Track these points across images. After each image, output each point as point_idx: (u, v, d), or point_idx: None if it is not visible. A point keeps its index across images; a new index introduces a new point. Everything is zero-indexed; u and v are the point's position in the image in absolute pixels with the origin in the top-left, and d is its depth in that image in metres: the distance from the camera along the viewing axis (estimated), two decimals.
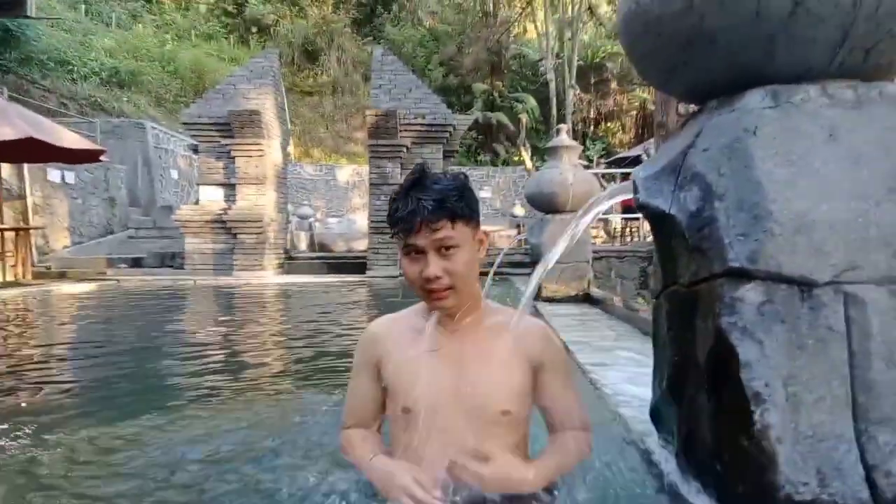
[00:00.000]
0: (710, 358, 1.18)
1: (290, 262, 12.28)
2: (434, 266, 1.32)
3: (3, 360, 3.96)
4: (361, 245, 19.32)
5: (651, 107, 29.65)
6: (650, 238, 13.29)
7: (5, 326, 5.84)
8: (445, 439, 1.31)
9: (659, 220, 1.31)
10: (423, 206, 1.29)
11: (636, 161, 16.16)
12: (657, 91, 12.78)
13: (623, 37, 1.36)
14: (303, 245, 16.50)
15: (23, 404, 2.78)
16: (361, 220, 24.54)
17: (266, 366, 3.85)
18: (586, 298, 5.79)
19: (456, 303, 1.38)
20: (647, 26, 1.24)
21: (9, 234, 9.74)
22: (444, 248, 1.32)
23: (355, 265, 11.66)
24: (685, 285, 1.27)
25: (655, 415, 1.70)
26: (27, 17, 13.78)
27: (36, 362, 3.92)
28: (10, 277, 9.64)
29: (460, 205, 1.33)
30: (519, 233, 20.92)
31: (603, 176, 15.98)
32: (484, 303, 1.50)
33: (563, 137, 6.00)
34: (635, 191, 1.38)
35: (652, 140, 15.00)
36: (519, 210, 22.49)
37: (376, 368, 1.45)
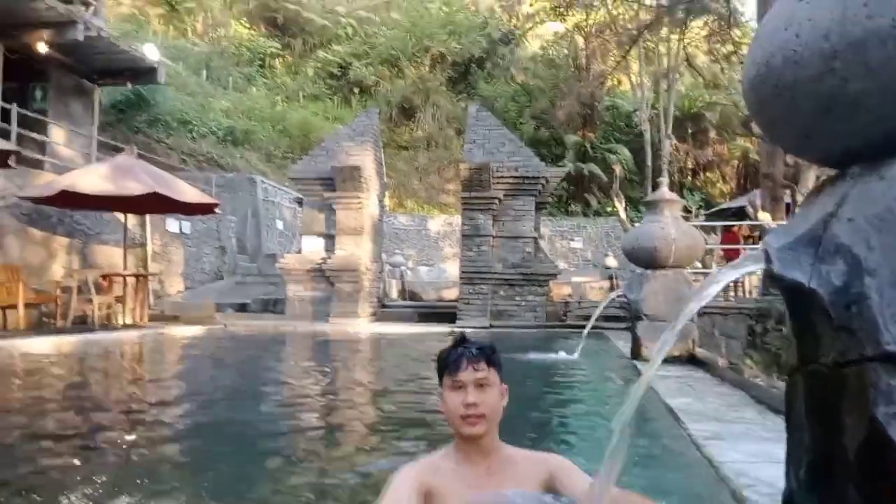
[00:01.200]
0: (862, 449, 1.06)
1: (383, 309, 12.53)
2: (472, 395, 1.74)
3: (118, 401, 4.23)
4: (450, 293, 19.42)
5: (754, 156, 28.45)
6: (755, 294, 12.51)
7: (125, 368, 6.27)
8: None
9: (796, 294, 1.22)
10: (469, 351, 1.77)
11: (739, 212, 15.43)
12: (762, 142, 12.31)
13: (750, 101, 1.30)
14: (394, 292, 16.83)
15: (133, 454, 2.94)
16: (451, 269, 24.75)
17: (352, 429, 3.78)
18: (690, 360, 5.49)
19: (485, 431, 1.76)
20: (778, 90, 1.18)
21: (130, 280, 10.55)
22: (480, 385, 1.75)
23: (446, 314, 11.71)
24: (828, 366, 1.16)
25: None
26: (158, 83, 15.25)
27: (143, 406, 4.15)
28: (129, 320, 10.40)
29: (494, 356, 1.81)
30: (612, 285, 20.34)
31: (703, 228, 15.35)
32: (503, 446, 1.87)
33: (664, 191, 5.84)
34: (767, 260, 1.29)
35: (757, 191, 14.34)
36: (611, 261, 21.91)
37: (426, 495, 1.76)
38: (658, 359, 1.69)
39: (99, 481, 2.30)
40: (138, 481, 2.35)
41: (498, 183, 10.99)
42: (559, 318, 11.36)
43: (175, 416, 3.87)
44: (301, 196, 12.08)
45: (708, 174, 29.16)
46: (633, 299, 5.73)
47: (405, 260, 22.61)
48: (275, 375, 6.02)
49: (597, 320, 11.63)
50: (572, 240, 25.15)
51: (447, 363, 1.79)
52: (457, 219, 26.02)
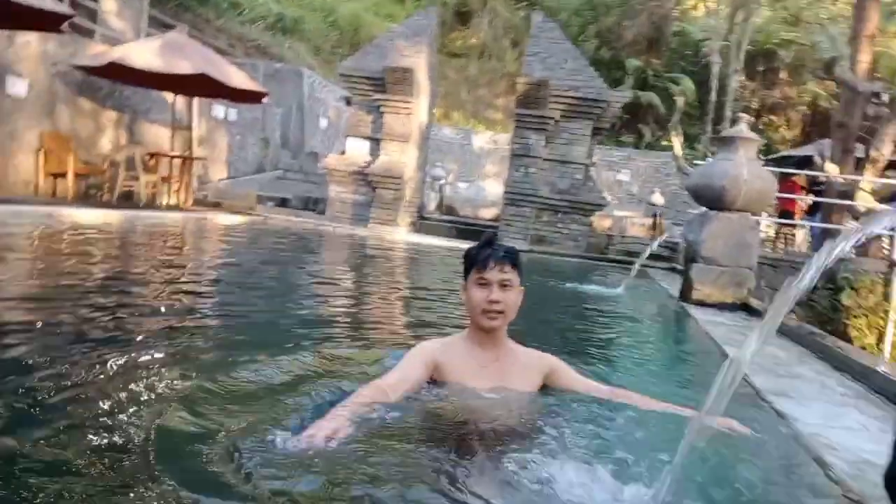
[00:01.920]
0: None
1: (422, 221, 12.42)
2: (496, 293, 1.95)
3: (164, 282, 4.22)
4: (488, 213, 19.23)
5: (823, 103, 26.80)
6: (806, 248, 12.04)
7: (168, 248, 6.30)
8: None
9: None
10: (497, 253, 1.97)
11: (803, 161, 14.64)
12: (843, 89, 11.40)
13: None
14: (432, 205, 16.66)
15: (175, 325, 2.90)
16: (490, 188, 24.41)
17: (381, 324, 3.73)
18: (743, 307, 5.27)
19: (501, 325, 2.01)
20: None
21: (176, 161, 10.54)
22: (504, 285, 1.96)
23: (484, 233, 11.56)
24: None
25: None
26: None
27: (185, 289, 4.13)
28: (172, 201, 10.47)
29: (518, 259, 2.00)
30: (655, 224, 19.87)
31: None
32: (509, 341, 2.11)
33: (743, 127, 5.42)
34: None
35: (826, 140, 13.48)
36: (658, 198, 21.25)
37: (434, 367, 2.01)
38: (761, 335, 1.52)
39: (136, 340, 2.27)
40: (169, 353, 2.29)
41: (555, 102, 10.47)
42: (601, 250, 11.13)
43: (216, 302, 3.84)
44: (349, 95, 11.73)
45: (772, 117, 27.63)
46: (691, 239, 5.47)
47: (445, 173, 22.28)
48: (312, 272, 5.98)
49: (634, 256, 11.41)
50: (619, 171, 24.34)
51: (475, 260, 1.97)
52: (502, 136, 25.34)
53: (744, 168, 5.21)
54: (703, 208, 5.63)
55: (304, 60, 19.82)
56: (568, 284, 6.44)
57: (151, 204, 9.91)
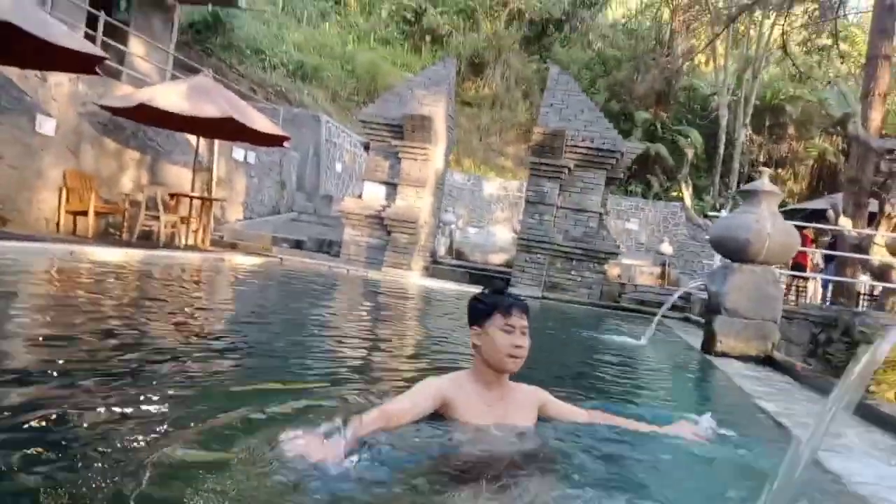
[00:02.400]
0: None
1: (435, 265, 12.46)
2: (521, 340, 2.09)
3: (186, 320, 4.24)
4: (497, 258, 19.26)
5: (831, 158, 27.09)
6: (818, 300, 11.98)
7: (188, 288, 6.34)
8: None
9: None
10: (520, 301, 2.16)
11: (814, 215, 14.69)
12: (854, 145, 11.56)
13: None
14: (442, 250, 16.73)
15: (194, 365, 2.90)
16: (500, 233, 24.53)
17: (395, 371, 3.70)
18: (766, 361, 5.23)
19: (519, 368, 2.14)
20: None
21: (196, 202, 10.68)
22: (524, 332, 2.11)
23: (497, 279, 11.58)
24: None
25: None
26: (237, 7, 15.16)
27: (206, 328, 4.15)
28: (190, 242, 10.56)
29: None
30: (664, 273, 19.86)
31: None
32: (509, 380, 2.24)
33: (765, 181, 5.48)
34: None
35: (838, 195, 13.59)
36: (666, 248, 21.34)
37: (442, 403, 2.07)
38: (827, 422, 1.42)
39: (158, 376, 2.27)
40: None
41: (570, 152, 10.64)
42: (614, 298, 11.11)
43: (237, 338, 3.85)
44: (367, 140, 11.95)
45: (780, 171, 27.89)
46: (714, 291, 5.46)
47: (456, 218, 22.47)
48: (327, 316, 5.98)
49: (647, 305, 11.38)
50: (628, 220, 24.51)
51: (499, 306, 2.10)
52: (512, 183, 25.66)
53: (767, 221, 5.25)
54: (721, 259, 5.65)
55: (322, 106, 20.28)
56: (588, 334, 6.41)
57: (170, 244, 10.01)
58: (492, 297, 2.15)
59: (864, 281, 11.66)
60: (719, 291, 5.41)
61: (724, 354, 5.31)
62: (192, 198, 10.57)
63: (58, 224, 9.02)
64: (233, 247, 11.33)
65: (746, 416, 3.16)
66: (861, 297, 12.38)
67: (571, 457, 1.96)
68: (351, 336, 4.64)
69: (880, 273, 10.52)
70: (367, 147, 11.91)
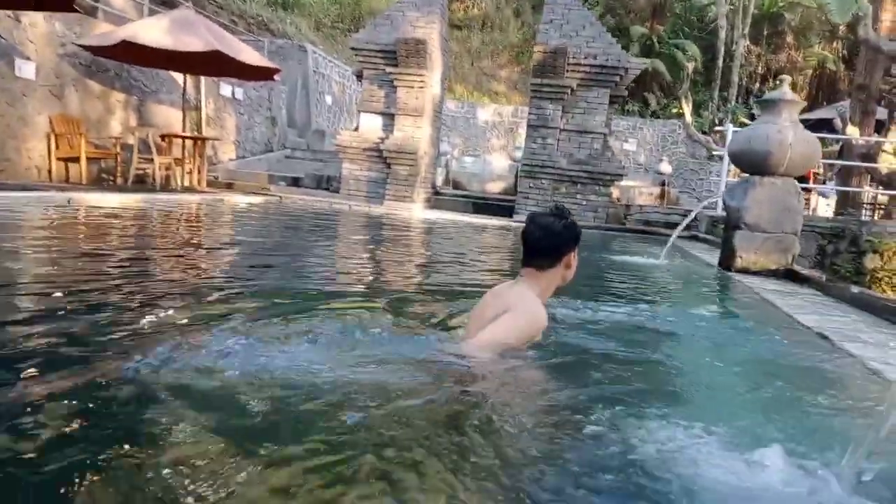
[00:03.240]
0: None
1: (437, 197, 12.29)
2: None
3: (199, 262, 4.12)
4: (495, 186, 19.05)
5: (830, 66, 26.45)
6: (823, 212, 11.99)
7: (194, 229, 6.19)
8: None
9: None
10: None
11: (819, 124, 14.41)
12: (863, 50, 11.17)
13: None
14: (439, 180, 16.49)
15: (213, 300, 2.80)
16: (497, 162, 24.15)
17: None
18: (788, 275, 5.18)
19: None
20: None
21: (188, 143, 10.36)
22: None
23: (501, 207, 11.44)
24: None
25: None
26: None
27: (221, 267, 4.04)
28: (186, 183, 10.32)
29: None
30: (664, 193, 19.74)
31: None
32: None
33: (786, 90, 5.27)
34: None
35: (844, 103, 13.30)
36: (665, 167, 21.13)
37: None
38: None
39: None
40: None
41: (573, 71, 10.26)
42: (620, 220, 11.02)
43: (251, 278, 3.75)
44: (360, 69, 11.48)
45: (777, 81, 27.27)
46: (734, 206, 5.35)
47: (451, 148, 22.08)
48: (333, 252, 5.87)
49: (654, 226, 11.31)
50: (626, 141, 24.07)
51: (580, 237, 2.29)
52: (507, 109, 25.05)
53: (789, 132, 5.08)
54: (723, 174, 5.50)
55: (306, 36, 19.48)
56: (603, 256, 6.33)
57: (166, 186, 9.77)
58: (578, 227, 2.28)
59: (869, 191, 11.56)
60: (739, 206, 5.29)
61: (744, 270, 5.26)
62: (184, 138, 10.24)
63: (49, 172, 8.76)
64: (229, 187, 11.09)
65: (788, 329, 3.10)
66: (865, 206, 12.31)
67: None
68: (382, 271, 4.55)
69: (888, 181, 10.41)
70: (359, 76, 11.48)
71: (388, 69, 10.83)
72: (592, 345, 2.42)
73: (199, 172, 10.47)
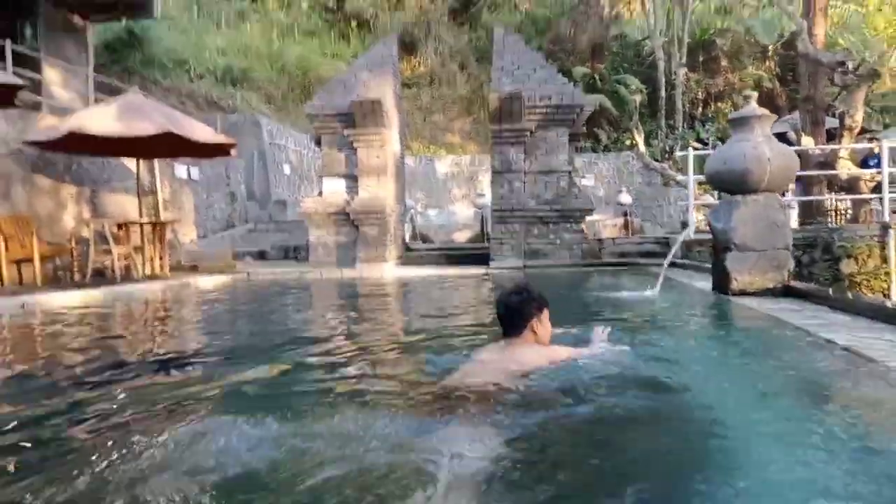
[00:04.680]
0: None
1: (408, 253, 12.07)
2: None
3: (171, 355, 3.77)
4: (461, 236, 19.00)
5: (767, 84, 27.55)
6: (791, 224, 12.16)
7: (163, 320, 5.81)
8: None
9: None
10: None
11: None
12: (803, 64, 11.59)
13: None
14: (406, 236, 16.38)
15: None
16: (460, 211, 24.25)
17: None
18: (786, 292, 5.05)
19: None
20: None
21: (147, 229, 9.98)
22: None
23: (475, 256, 11.25)
24: None
25: None
26: (151, 17, 14.25)
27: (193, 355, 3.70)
28: (148, 271, 9.88)
29: None
30: (626, 223, 19.94)
31: None
32: None
33: (754, 106, 5.26)
34: None
35: (795, 115, 13.70)
36: (625, 198, 21.44)
37: None
38: None
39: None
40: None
41: (530, 113, 10.32)
42: (596, 255, 10.93)
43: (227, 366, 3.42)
44: (317, 134, 11.37)
45: (719, 104, 28.28)
46: (721, 228, 5.24)
47: (414, 203, 22.09)
48: (313, 326, 5.54)
49: (629, 257, 11.26)
50: (583, 177, 24.46)
51: (541, 303, 2.68)
52: (464, 158, 25.28)
53: (765, 147, 5.04)
54: (727, 195, 5.42)
55: (258, 110, 19.44)
56: (593, 294, 6.15)
57: (128, 277, 9.33)
58: (542, 294, 2.72)
59: (832, 197, 11.77)
60: (726, 228, 5.19)
61: (741, 292, 5.11)
62: (142, 225, 9.86)
63: (0, 276, 8.25)
64: (194, 269, 10.68)
65: (822, 352, 2.91)
66: (830, 213, 12.53)
67: None
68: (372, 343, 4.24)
69: (849, 186, 10.61)
70: (318, 142, 11.35)
71: (346, 131, 10.74)
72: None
73: (160, 258, 10.06)
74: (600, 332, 2.90)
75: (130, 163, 10.47)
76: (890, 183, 9.63)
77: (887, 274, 9.69)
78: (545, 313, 2.62)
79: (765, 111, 5.24)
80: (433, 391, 2.32)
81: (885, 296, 9.46)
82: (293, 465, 1.69)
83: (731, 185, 5.23)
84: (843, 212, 12.78)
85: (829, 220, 12.37)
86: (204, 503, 1.49)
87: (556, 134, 10.50)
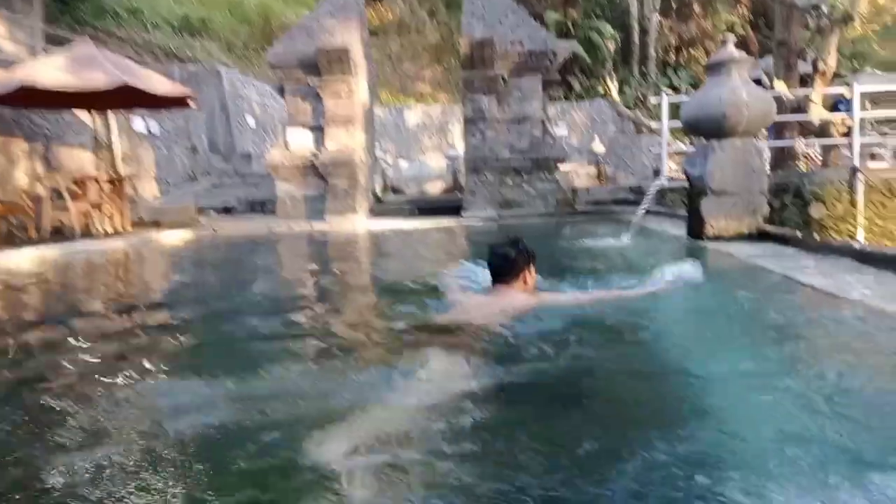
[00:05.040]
0: None
1: (379, 205, 11.85)
2: None
3: (140, 317, 3.59)
4: (434, 187, 18.74)
5: (740, 30, 27.36)
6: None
7: (127, 278, 5.59)
8: None
9: None
10: None
11: None
12: (778, 8, 11.40)
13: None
14: (377, 188, 16.11)
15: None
16: (432, 162, 23.90)
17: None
18: (761, 236, 5.02)
19: None
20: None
21: (105, 184, 9.57)
22: None
23: (448, 208, 11.09)
24: None
25: None
26: None
27: (163, 321, 3.53)
28: (109, 228, 9.53)
29: None
30: (599, 172, 19.88)
31: None
32: None
33: (731, 49, 5.12)
34: None
35: (766, 59, 13.59)
36: (598, 146, 21.30)
37: None
38: None
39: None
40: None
41: (502, 59, 10.02)
42: (570, 205, 10.85)
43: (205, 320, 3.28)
44: (281, 83, 10.92)
45: (692, 51, 28.04)
46: (697, 174, 5.16)
47: (384, 154, 21.67)
48: (290, 275, 5.39)
49: (603, 206, 11.22)
50: (556, 126, 24.21)
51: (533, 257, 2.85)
52: (435, 108, 24.78)
53: (742, 91, 4.92)
54: (704, 140, 5.32)
55: (219, 60, 18.64)
56: (567, 243, 6.07)
57: (87, 234, 8.98)
58: (530, 248, 2.86)
59: (804, 142, 11.78)
60: (702, 173, 5.11)
61: (716, 237, 5.08)
62: (100, 180, 9.44)
63: None
64: (157, 225, 10.33)
65: (804, 296, 2.86)
66: (801, 158, 12.57)
67: None
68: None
69: (821, 131, 10.62)
70: (281, 91, 10.91)
71: (312, 80, 10.33)
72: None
73: (121, 214, 9.69)
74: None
75: (85, 116, 9.98)
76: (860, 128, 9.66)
77: (854, 218, 9.82)
78: (533, 265, 2.81)
79: (742, 54, 5.10)
80: (418, 326, 2.55)
81: (851, 238, 9.61)
82: (243, 424, 1.60)
83: (708, 129, 5.13)
84: (813, 157, 12.86)
85: (802, 165, 12.43)
86: (156, 462, 1.39)
87: (530, 81, 10.24)
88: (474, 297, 2.82)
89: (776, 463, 1.30)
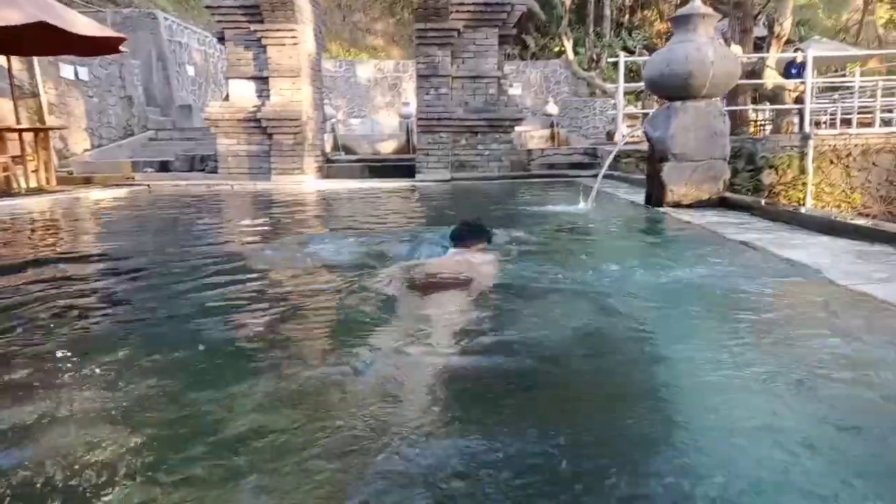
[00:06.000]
0: None
1: (328, 164, 11.35)
2: None
3: (48, 274, 3.18)
4: (387, 147, 18.21)
5: None
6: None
7: (47, 238, 5.07)
8: None
9: None
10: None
11: None
12: None
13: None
14: (327, 147, 15.50)
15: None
16: (385, 120, 23.22)
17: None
18: (721, 203, 4.90)
19: None
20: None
21: (28, 136, 8.80)
22: None
23: (401, 168, 10.71)
24: None
25: None
26: None
27: (76, 281, 3.14)
28: (33, 184, 8.80)
29: None
30: (553, 134, 19.68)
31: None
32: None
33: (698, 3, 4.87)
34: None
35: (723, 22, 13.51)
36: (552, 108, 21.07)
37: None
38: None
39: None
40: None
41: (458, 11, 9.56)
42: (524, 167, 10.63)
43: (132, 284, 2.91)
44: (221, 30, 10.18)
45: (646, 12, 27.89)
46: (658, 137, 4.96)
47: (335, 111, 20.90)
48: (226, 236, 4.99)
49: (558, 169, 11.04)
50: (511, 86, 23.81)
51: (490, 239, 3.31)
52: (388, 63, 23.99)
53: (708, 49, 4.70)
54: (667, 101, 5.11)
55: (156, 3, 17.39)
56: (524, 209, 5.84)
57: (7, 190, 8.25)
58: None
59: (756, 108, 11.85)
60: (664, 137, 4.91)
61: (677, 204, 4.93)
62: (20, 131, 8.66)
63: None
64: (87, 181, 9.63)
65: (770, 264, 2.70)
66: (753, 123, 12.66)
67: None
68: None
69: (773, 96, 10.64)
70: (221, 39, 10.19)
71: (254, 27, 9.65)
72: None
73: (46, 169, 8.95)
74: None
75: (2, 59, 9.08)
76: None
77: (804, 184, 9.94)
78: (489, 243, 3.22)
79: (709, 10, 4.87)
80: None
81: (800, 204, 9.74)
82: None
83: (672, 89, 4.91)
84: (763, 123, 12.96)
85: (753, 130, 12.52)
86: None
87: (486, 35, 9.83)
88: (446, 255, 3.11)
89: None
